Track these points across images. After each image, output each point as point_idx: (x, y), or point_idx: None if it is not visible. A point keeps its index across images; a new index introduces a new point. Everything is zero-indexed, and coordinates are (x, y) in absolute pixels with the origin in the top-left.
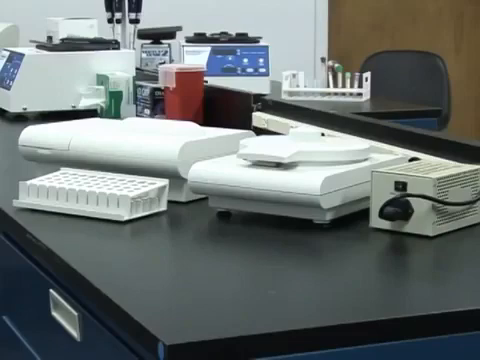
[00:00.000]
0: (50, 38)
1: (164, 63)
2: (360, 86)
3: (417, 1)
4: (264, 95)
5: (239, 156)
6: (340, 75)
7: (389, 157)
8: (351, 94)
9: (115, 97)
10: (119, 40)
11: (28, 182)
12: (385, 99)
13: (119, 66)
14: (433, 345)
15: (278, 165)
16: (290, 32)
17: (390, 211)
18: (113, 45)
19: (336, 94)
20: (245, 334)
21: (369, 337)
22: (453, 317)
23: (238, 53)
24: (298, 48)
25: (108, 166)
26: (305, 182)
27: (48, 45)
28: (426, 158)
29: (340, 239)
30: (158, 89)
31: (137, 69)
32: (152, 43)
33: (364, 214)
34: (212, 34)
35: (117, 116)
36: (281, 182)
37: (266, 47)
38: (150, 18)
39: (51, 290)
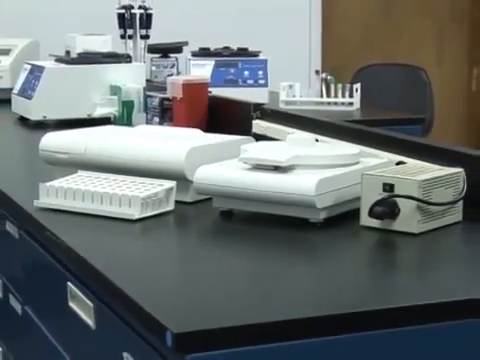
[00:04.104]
0: (68, 52)
1: (172, 75)
2: (351, 96)
3: (403, 19)
4: (263, 104)
5: (240, 160)
6: (333, 86)
7: (378, 161)
8: (343, 103)
9: (127, 106)
10: (131, 54)
11: (48, 184)
12: (374, 108)
13: (131, 78)
14: (418, 333)
15: (276, 168)
16: (287, 47)
17: (379, 210)
18: (125, 59)
19: (329, 103)
20: (246, 323)
21: (359, 326)
22: (436, 308)
23: (239, 66)
24: (294, 62)
25: (120, 169)
26: (301, 184)
27: (66, 59)
28: (411, 162)
29: (333, 236)
30: (166, 99)
31: (147, 81)
32: (161, 57)
33: (355, 213)
34: (216, 49)
35: (129, 124)
36: (279, 184)
37: (265, 60)
38: (159, 34)
39: (68, 283)
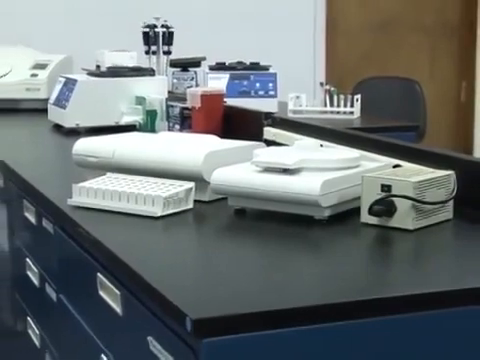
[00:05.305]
0: (98, 67)
1: (191, 87)
2: (352, 106)
3: (399, 36)
4: (273, 113)
5: (253, 163)
6: (335, 97)
7: (376, 164)
8: (344, 112)
9: (151, 115)
10: (154, 68)
11: (80, 184)
12: (372, 117)
13: (154, 89)
14: (413, 321)
15: (285, 170)
16: (294, 62)
17: (377, 209)
18: (149, 72)
19: (332, 112)
20: (258, 310)
21: (359, 313)
22: (430, 297)
23: (252, 79)
24: (301, 75)
25: (145, 171)
26: (307, 185)
27: (96, 72)
28: (407, 165)
29: (336, 232)
30: (186, 108)
31: (169, 92)
32: (181, 71)
33: (356, 211)
34: (230, 63)
35: (152, 130)
36: (287, 184)
37: (275, 74)
38: (180, 50)
39: (98, 273)
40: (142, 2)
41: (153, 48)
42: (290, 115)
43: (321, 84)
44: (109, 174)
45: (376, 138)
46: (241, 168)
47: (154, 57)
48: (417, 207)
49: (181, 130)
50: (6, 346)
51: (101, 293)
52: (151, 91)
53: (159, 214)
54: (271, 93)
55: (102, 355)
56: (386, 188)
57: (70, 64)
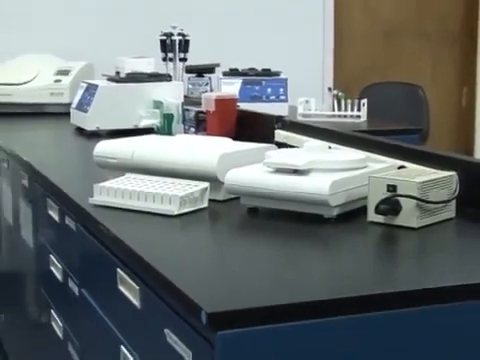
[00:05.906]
0: (118, 73)
1: (206, 92)
2: (359, 110)
3: (403, 43)
4: (284, 117)
5: (264, 164)
6: (343, 101)
7: (382, 165)
8: (351, 116)
9: (168, 118)
10: (171, 74)
11: (100, 184)
12: (378, 120)
13: (171, 94)
14: (418, 315)
15: (295, 171)
16: (304, 68)
17: (383, 208)
18: (166, 78)
19: (340, 116)
20: (270, 304)
21: (365, 307)
22: (433, 292)
23: (263, 84)
24: (310, 80)
25: (162, 172)
26: (316, 185)
27: (116, 78)
28: (411, 166)
29: (344, 230)
30: (201, 112)
31: (185, 96)
32: (196, 76)
33: (363, 210)
34: (243, 69)
35: (169, 133)
36: (298, 185)
37: (285, 79)
38: (195, 57)
39: (118, 269)
40: (160, 12)
41: (170, 55)
42: (300, 119)
43: (329, 89)
44: (128, 174)
45: (382, 140)
46: (253, 169)
47: (171, 63)
48: (421, 206)
49: (196, 133)
50: (31, 337)
51: (121, 288)
52: (168, 96)
53: (176, 213)
54: (282, 98)
55: (121, 346)
56: (392, 188)
57: (91, 70)
